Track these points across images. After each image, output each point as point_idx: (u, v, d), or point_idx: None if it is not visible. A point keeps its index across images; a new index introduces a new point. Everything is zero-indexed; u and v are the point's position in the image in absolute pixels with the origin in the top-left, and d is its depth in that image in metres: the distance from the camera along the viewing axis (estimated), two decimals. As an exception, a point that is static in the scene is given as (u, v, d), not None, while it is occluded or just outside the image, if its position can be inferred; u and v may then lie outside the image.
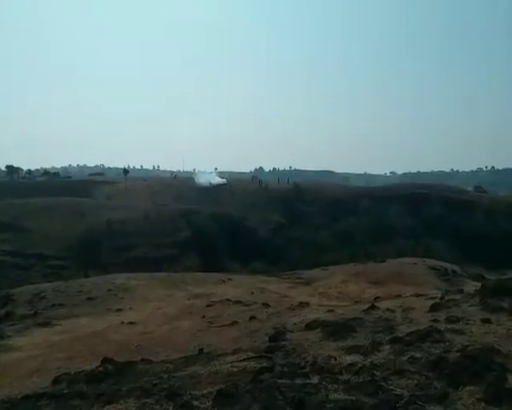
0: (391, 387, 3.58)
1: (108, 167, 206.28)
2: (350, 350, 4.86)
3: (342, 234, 70.69)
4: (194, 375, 4.61)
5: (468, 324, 5.62)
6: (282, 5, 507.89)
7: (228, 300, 14.05)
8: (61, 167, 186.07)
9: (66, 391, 4.50)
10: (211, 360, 5.23)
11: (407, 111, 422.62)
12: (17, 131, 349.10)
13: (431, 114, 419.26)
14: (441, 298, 8.35)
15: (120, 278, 20.79)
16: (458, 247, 59.66)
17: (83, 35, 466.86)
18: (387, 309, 7.53)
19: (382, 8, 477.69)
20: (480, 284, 8.60)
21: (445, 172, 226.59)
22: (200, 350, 6.29)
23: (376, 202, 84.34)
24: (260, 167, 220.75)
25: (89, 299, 16.16)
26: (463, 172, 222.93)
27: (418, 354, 4.35)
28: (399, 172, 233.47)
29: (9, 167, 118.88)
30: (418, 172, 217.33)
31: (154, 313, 13.21)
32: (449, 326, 5.50)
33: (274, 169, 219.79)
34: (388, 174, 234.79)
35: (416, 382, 3.67)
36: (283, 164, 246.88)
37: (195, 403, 3.64)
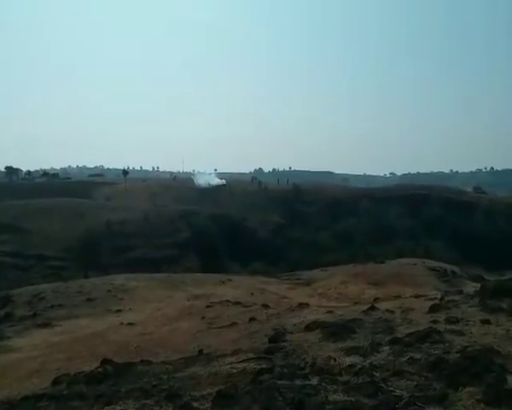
0: (390, 388, 3.58)
1: (108, 168, 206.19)
2: (349, 351, 4.86)
3: (342, 235, 70.71)
4: (194, 376, 4.61)
5: (467, 325, 5.63)
6: (282, 5, 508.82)
7: (227, 301, 14.04)
8: (61, 168, 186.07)
9: (65, 392, 4.50)
10: (210, 361, 5.23)
11: (406, 112, 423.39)
12: (16, 131, 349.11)
13: (430, 114, 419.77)
14: (441, 299, 8.37)
15: (120, 279, 20.78)
16: (458, 248, 59.66)
17: (82, 35, 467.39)
18: (387, 310, 7.54)
19: (382, 9, 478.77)
20: (479, 285, 8.61)
21: (445, 173, 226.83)
22: (200, 351, 6.30)
23: (376, 203, 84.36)
24: (260, 168, 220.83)
25: (88, 300, 16.15)
26: (463, 172, 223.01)
27: (418, 355, 4.36)
28: (399, 172, 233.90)
29: (9, 168, 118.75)
30: (418, 172, 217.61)
31: (153, 314, 13.20)
32: (448, 327, 5.51)
33: (273, 170, 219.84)
34: (388, 175, 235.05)
35: (415, 383, 3.68)
36: (283, 165, 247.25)
37: (195, 404, 3.64)
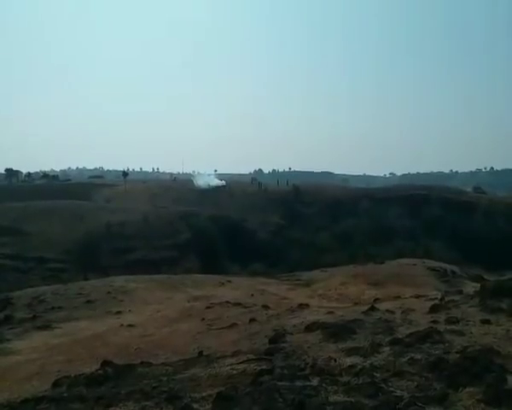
0: (391, 388, 3.58)
1: (108, 170, 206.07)
2: (350, 352, 4.86)
3: (342, 235, 70.76)
4: (194, 378, 4.61)
5: (467, 325, 5.63)
6: (282, 5, 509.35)
7: (227, 302, 14.02)
8: (61, 170, 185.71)
9: (65, 394, 4.50)
10: (210, 363, 5.23)
11: (406, 112, 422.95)
12: (16, 133, 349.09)
13: (430, 115, 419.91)
14: (441, 299, 8.37)
15: (120, 281, 20.76)
16: (457, 248, 59.70)
17: (81, 36, 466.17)
18: (387, 311, 7.55)
19: (382, 9, 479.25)
20: (479, 285, 8.61)
21: (445, 173, 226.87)
22: (200, 353, 6.29)
23: (376, 204, 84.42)
24: (259, 169, 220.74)
25: (88, 302, 16.14)
26: (463, 172, 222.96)
27: (418, 356, 4.36)
28: (399, 173, 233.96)
29: (8, 170, 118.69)
30: (417, 173, 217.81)
31: (153, 316, 13.19)
32: (448, 327, 5.51)
33: (273, 171, 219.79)
34: (388, 175, 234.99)
35: (415, 383, 3.68)
36: (282, 165, 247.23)
37: (195, 406, 3.64)
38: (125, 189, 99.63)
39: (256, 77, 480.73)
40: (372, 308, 7.80)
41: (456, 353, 4.35)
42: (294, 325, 7.39)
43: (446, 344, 4.75)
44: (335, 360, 4.60)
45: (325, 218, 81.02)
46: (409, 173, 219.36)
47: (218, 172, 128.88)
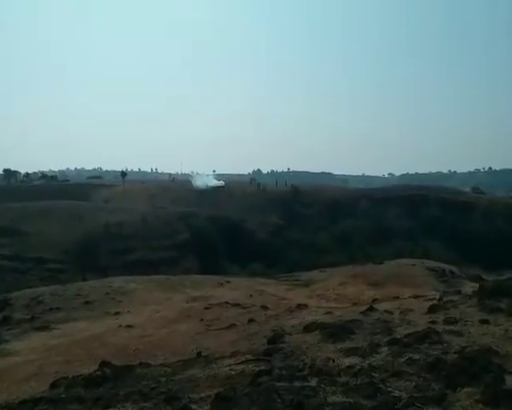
0: (389, 389, 3.59)
1: (106, 170, 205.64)
2: (348, 352, 4.87)
3: (340, 236, 70.71)
4: (193, 378, 4.61)
5: (466, 325, 5.64)
6: (282, 5, 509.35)
7: (226, 302, 14.01)
8: (59, 171, 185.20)
9: (63, 395, 4.50)
10: (209, 364, 5.23)
11: (405, 113, 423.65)
12: (14, 134, 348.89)
13: (429, 115, 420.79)
14: (439, 299, 8.38)
15: (118, 282, 20.73)
16: (456, 248, 59.75)
17: (80, 36, 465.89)
18: (386, 311, 7.55)
19: (381, 9, 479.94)
20: (477, 285, 8.62)
21: (443, 174, 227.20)
22: (199, 353, 6.28)
23: (375, 204, 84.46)
24: (258, 169, 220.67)
25: (86, 303, 16.11)
26: (461, 173, 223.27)
27: (416, 356, 4.37)
28: (397, 173, 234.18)
29: (7, 171, 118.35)
30: (416, 173, 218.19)
31: (152, 317, 13.17)
32: (447, 328, 5.52)
33: (272, 171, 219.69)
34: (386, 176, 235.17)
35: (414, 383, 3.68)
36: (281, 166, 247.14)
37: (194, 407, 3.64)
38: (123, 189, 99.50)
39: (255, 77, 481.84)
40: (371, 309, 7.81)
41: (455, 353, 4.35)
42: (293, 326, 7.39)
43: (445, 345, 4.76)
44: (334, 361, 4.60)
45: (324, 218, 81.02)
46: (407, 174, 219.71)
47: (216, 173, 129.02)
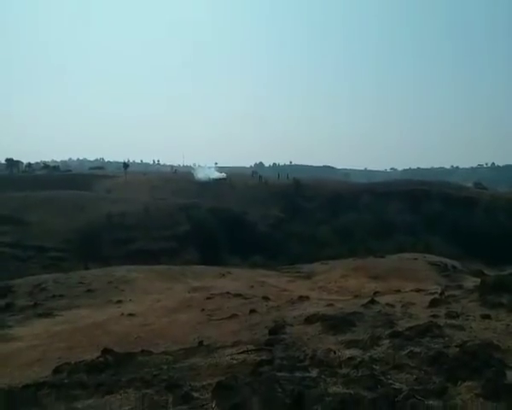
0: (390, 381, 3.59)
1: (108, 161, 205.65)
2: (349, 344, 4.88)
3: (342, 230, 70.69)
4: (194, 367, 4.64)
5: (467, 319, 5.64)
6: (282, 5, 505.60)
7: (228, 293, 14.07)
8: (61, 161, 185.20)
9: (66, 381, 4.53)
10: (210, 353, 5.26)
11: (408, 109, 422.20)
12: (17, 124, 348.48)
13: (432, 111, 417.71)
14: (441, 294, 8.39)
15: (120, 271, 20.86)
16: (458, 243, 59.70)
17: (83, 30, 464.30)
18: (387, 304, 7.56)
19: (381, 8, 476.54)
20: (479, 280, 8.62)
21: (446, 169, 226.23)
22: (200, 342, 6.32)
23: (377, 198, 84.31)
24: (260, 162, 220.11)
25: (89, 291, 16.22)
26: (464, 168, 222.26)
27: (417, 349, 4.37)
28: (400, 168, 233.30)
29: (9, 160, 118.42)
30: (418, 168, 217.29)
31: (153, 306, 13.25)
32: (448, 322, 5.52)
33: (274, 164, 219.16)
34: (389, 170, 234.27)
35: (415, 376, 3.69)
36: (283, 159, 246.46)
37: (195, 395, 3.66)
38: (125, 180, 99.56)
39: (256, 77, 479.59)
40: (372, 301, 7.82)
41: (456, 347, 4.36)
42: (294, 317, 7.42)
43: (446, 338, 4.76)
44: (335, 352, 4.61)
45: (326, 212, 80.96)
46: (410, 168, 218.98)
47: (218, 165, 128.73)
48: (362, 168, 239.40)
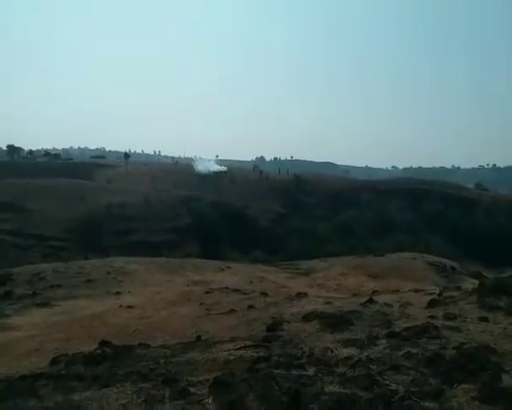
0: (386, 382, 3.60)
1: (109, 151, 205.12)
2: (346, 343, 4.89)
3: (342, 227, 70.67)
4: (192, 361, 4.65)
5: (465, 321, 5.64)
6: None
7: (226, 288, 14.11)
8: (62, 149, 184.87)
9: (63, 372, 4.54)
10: (208, 347, 5.27)
11: (411, 108, 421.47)
12: (18, 111, 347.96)
13: (434, 110, 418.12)
14: (439, 294, 8.39)
15: (120, 262, 20.90)
16: (458, 244, 59.67)
17: (87, 18, 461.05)
18: (385, 303, 7.57)
19: (379, 8, 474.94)
20: (478, 282, 8.62)
21: (447, 169, 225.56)
22: (198, 337, 6.33)
23: (377, 196, 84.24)
24: (261, 156, 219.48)
25: (88, 281, 16.26)
26: (465, 169, 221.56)
27: (414, 350, 4.37)
28: (401, 166, 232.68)
29: (10, 147, 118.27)
30: (420, 167, 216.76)
31: (152, 298, 13.28)
32: (446, 323, 5.52)
33: (275, 159, 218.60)
34: (390, 168, 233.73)
35: (411, 378, 3.69)
36: (285, 153, 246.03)
37: (192, 390, 3.67)
38: (126, 170, 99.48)
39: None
40: (370, 300, 7.82)
41: (453, 349, 4.36)
42: (292, 314, 7.43)
43: (443, 340, 4.76)
44: (332, 351, 4.62)
45: (326, 208, 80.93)
46: (411, 167, 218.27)
47: (219, 158, 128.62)
48: (363, 165, 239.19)
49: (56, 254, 46.96)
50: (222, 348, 5.18)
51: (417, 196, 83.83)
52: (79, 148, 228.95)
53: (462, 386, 3.42)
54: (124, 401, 3.52)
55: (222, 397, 3.41)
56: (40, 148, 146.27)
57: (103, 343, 5.76)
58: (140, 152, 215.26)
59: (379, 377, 3.68)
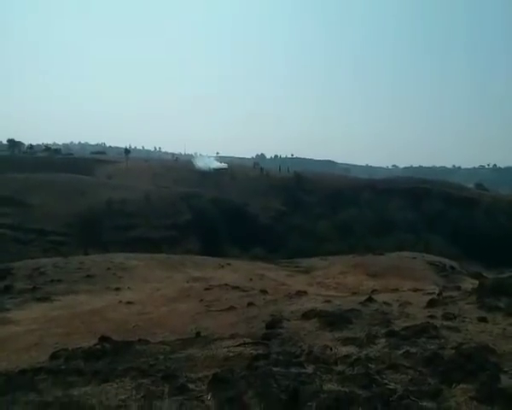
0: (385, 381, 3.60)
1: (110, 146, 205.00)
2: (345, 341, 4.89)
3: (342, 225, 70.73)
4: (191, 358, 4.65)
5: (464, 321, 5.65)
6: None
7: (226, 285, 14.12)
8: (63, 144, 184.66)
9: (63, 367, 4.55)
10: (207, 344, 5.28)
11: (411, 107, 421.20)
12: (19, 105, 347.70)
13: (435, 110, 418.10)
14: (438, 294, 8.39)
15: (120, 258, 20.91)
16: (458, 243, 59.74)
17: (88, 18, 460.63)
18: (384, 302, 7.57)
19: (379, 8, 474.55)
20: (477, 282, 8.62)
21: (447, 168, 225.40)
22: (198, 333, 6.35)
23: (377, 195, 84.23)
24: (262, 154, 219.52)
25: (88, 276, 16.28)
26: (465, 168, 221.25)
27: (413, 350, 4.38)
28: (401, 165, 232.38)
29: (11, 141, 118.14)
30: (420, 166, 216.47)
31: (152, 294, 13.30)
32: (445, 323, 5.53)
33: (276, 156, 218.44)
34: (390, 167, 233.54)
35: (409, 377, 3.69)
36: (285, 151, 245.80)
37: (191, 386, 3.67)
38: (126, 166, 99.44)
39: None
40: (370, 299, 7.83)
41: (452, 349, 4.36)
42: (292, 312, 7.44)
43: (442, 340, 4.77)
44: (331, 349, 4.63)
45: (326, 207, 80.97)
46: (411, 166, 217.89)
47: (219, 155, 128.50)
48: (363, 164, 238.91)
49: (56, 249, 47.04)
50: (221, 344, 5.19)
51: (418, 195, 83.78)
52: (80, 143, 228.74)
53: (461, 386, 3.42)
54: (123, 397, 3.53)
55: (221, 394, 3.42)
56: (41, 143, 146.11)
57: (103, 339, 5.77)
58: (140, 148, 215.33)
59: (377, 376, 3.68)
